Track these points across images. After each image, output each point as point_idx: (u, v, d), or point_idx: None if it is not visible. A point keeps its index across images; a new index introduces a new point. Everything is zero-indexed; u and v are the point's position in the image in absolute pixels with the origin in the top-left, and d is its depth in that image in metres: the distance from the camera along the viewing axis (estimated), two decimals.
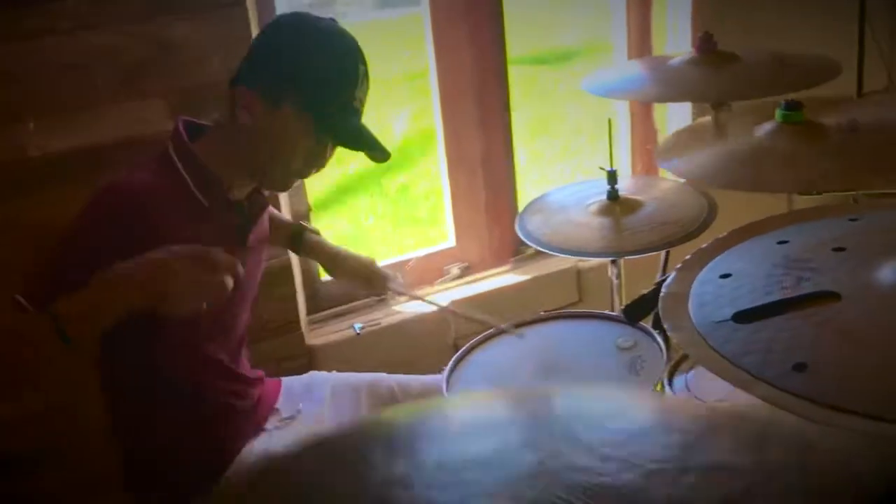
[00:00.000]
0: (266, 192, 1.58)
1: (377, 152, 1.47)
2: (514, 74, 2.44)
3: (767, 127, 1.50)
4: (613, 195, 1.86)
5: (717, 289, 0.92)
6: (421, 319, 2.31)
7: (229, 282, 1.20)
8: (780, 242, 0.99)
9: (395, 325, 2.29)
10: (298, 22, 1.45)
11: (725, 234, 1.06)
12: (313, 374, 1.86)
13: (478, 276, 2.50)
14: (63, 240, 1.35)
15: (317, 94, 1.40)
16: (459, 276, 2.48)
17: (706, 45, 1.91)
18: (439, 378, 1.63)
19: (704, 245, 1.05)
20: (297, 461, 0.74)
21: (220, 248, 1.23)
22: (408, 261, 2.43)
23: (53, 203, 1.81)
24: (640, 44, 2.55)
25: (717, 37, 1.93)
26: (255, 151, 1.42)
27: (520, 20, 4.81)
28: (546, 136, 4.80)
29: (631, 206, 1.86)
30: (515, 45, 2.76)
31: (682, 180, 1.97)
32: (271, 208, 1.72)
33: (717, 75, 1.86)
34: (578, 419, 0.70)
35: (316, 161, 1.46)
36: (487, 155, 2.42)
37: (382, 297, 2.26)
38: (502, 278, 2.50)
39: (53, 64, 1.76)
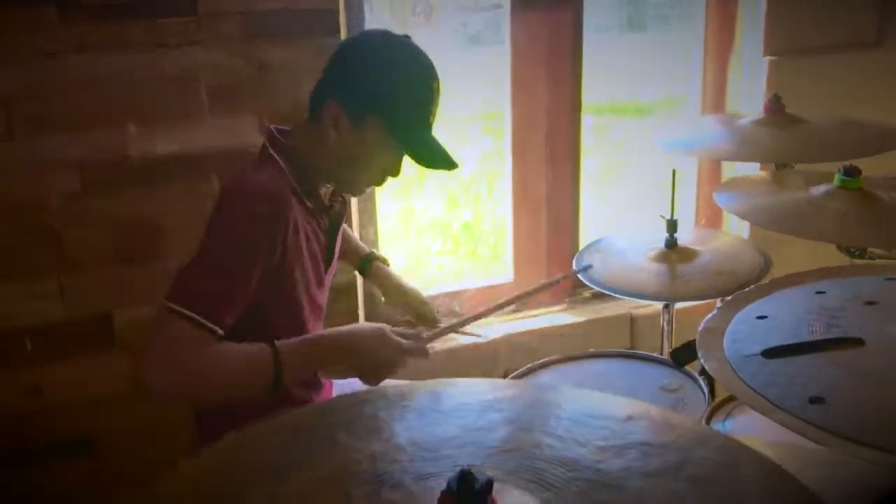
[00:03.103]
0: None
1: (447, 165, 1.53)
2: (590, 122, 2.50)
3: (824, 188, 1.55)
4: (671, 243, 1.91)
5: (751, 328, 0.98)
6: (474, 348, 2.38)
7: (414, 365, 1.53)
8: (818, 293, 1.05)
9: (447, 350, 2.36)
10: (384, 39, 1.52)
11: (767, 280, 1.12)
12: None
13: (533, 312, 2.56)
14: (216, 248, 1.37)
15: (401, 111, 1.47)
16: (515, 311, 2.55)
17: (774, 107, 1.97)
18: None
19: (747, 289, 1.11)
20: (268, 438, 0.83)
21: (419, 336, 1.59)
22: (466, 291, 2.51)
23: (145, 201, 1.97)
24: (714, 101, 2.61)
25: (789, 99, 1.98)
26: (338, 162, 1.50)
27: (601, 71, 4.85)
28: (614, 186, 4.83)
29: (688, 254, 1.90)
30: (595, 94, 2.80)
31: (744, 235, 2.00)
32: (346, 228, 1.80)
33: (783, 137, 1.90)
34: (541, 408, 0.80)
35: (392, 171, 1.54)
36: (553, 195, 2.50)
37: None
38: (557, 317, 2.56)
39: (160, 75, 1.92)
